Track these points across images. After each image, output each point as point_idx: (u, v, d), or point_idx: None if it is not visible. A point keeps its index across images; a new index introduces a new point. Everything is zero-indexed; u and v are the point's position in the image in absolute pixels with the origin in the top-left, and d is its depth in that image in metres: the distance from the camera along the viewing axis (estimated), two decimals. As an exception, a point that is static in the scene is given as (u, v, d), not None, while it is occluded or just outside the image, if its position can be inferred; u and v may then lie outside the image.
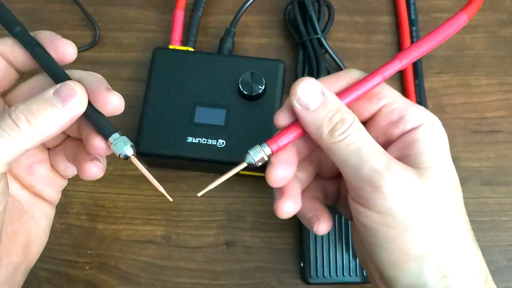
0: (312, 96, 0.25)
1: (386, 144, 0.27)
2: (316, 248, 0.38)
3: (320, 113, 0.25)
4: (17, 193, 0.28)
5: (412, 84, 0.44)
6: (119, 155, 0.25)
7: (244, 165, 0.27)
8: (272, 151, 0.26)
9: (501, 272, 0.40)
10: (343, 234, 0.38)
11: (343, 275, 0.37)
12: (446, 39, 0.27)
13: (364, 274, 0.37)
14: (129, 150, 0.25)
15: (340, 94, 0.26)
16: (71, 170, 0.29)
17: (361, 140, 0.25)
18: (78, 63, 0.47)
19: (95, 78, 0.26)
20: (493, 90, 0.45)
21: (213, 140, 0.38)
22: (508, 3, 0.48)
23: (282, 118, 0.27)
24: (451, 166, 0.26)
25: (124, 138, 0.25)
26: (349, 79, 0.27)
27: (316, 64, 0.42)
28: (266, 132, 0.38)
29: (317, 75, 0.42)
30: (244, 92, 0.38)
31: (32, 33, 0.26)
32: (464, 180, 0.42)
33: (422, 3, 0.47)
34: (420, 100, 0.44)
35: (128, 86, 0.44)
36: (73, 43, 0.26)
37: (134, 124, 0.41)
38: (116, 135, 0.25)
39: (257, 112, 0.39)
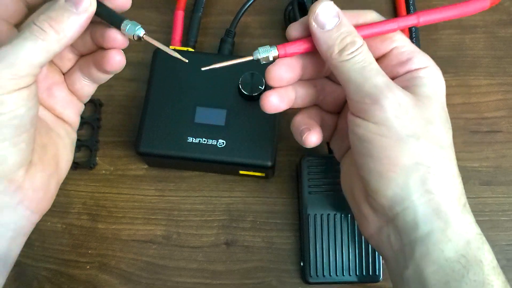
0: (329, 16, 0.27)
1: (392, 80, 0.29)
2: (316, 248, 0.38)
3: (333, 33, 0.27)
4: (42, 113, 0.30)
5: (411, 84, 0.44)
6: (133, 36, 0.28)
7: (249, 58, 0.29)
8: (278, 55, 0.28)
9: (501, 272, 0.40)
10: (343, 233, 0.38)
11: (343, 275, 0.37)
12: (463, 15, 0.29)
13: (364, 273, 0.37)
14: (140, 31, 0.28)
15: (357, 27, 0.28)
16: (87, 89, 0.32)
17: (366, 61, 0.27)
18: (78, 64, 0.47)
19: None
20: (492, 90, 0.45)
21: (213, 140, 0.38)
22: (507, 3, 0.48)
23: (295, 30, 0.29)
24: (445, 107, 0.29)
25: (134, 22, 0.28)
26: (367, 18, 0.29)
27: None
28: (266, 132, 0.38)
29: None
30: (244, 92, 0.38)
31: None
32: (463, 180, 0.42)
33: (422, 3, 0.47)
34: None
35: (128, 87, 0.44)
36: None
37: (135, 124, 0.41)
38: (126, 21, 0.28)
39: (257, 112, 0.39)
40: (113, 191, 0.42)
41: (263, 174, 0.40)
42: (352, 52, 0.27)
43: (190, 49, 0.43)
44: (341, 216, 0.38)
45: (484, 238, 0.27)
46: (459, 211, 0.27)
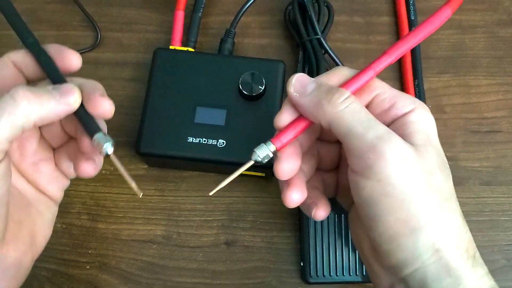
0: (307, 83, 0.28)
1: None
2: (316, 248, 0.38)
3: (317, 91, 0.27)
4: (23, 187, 0.30)
5: (411, 85, 0.44)
6: (100, 153, 0.27)
7: (250, 163, 0.29)
8: (276, 148, 0.28)
9: (501, 272, 0.40)
10: (343, 233, 0.38)
11: (343, 275, 0.37)
12: (430, 33, 0.28)
13: (364, 273, 0.37)
14: (108, 149, 0.27)
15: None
16: (73, 170, 0.31)
17: (362, 109, 0.26)
18: (79, 64, 0.47)
19: (92, 84, 0.28)
20: (492, 90, 0.45)
21: (213, 140, 0.38)
22: (507, 4, 0.48)
23: (280, 120, 0.29)
24: (441, 150, 0.28)
25: (107, 137, 0.27)
26: (341, 76, 0.29)
27: (316, 64, 0.42)
28: (266, 132, 0.38)
29: (316, 75, 0.42)
30: (245, 92, 0.38)
31: (43, 46, 0.29)
32: (463, 180, 0.42)
33: (421, 3, 0.47)
34: (420, 100, 0.44)
35: (128, 87, 0.44)
36: (78, 54, 0.29)
37: (135, 125, 0.41)
38: (99, 135, 0.27)
39: (257, 112, 0.39)
40: (113, 191, 0.42)
41: (263, 174, 0.40)
42: (345, 99, 0.26)
43: (190, 49, 0.43)
44: (341, 216, 0.38)
45: None
46: (469, 265, 0.26)
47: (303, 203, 0.31)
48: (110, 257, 0.40)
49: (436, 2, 0.48)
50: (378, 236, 0.26)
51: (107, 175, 0.42)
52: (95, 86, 0.28)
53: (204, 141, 0.38)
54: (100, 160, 0.30)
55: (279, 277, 0.39)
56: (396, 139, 0.26)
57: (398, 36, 0.47)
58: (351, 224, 0.32)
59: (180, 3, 0.44)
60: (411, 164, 0.25)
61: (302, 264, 0.38)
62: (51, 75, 0.28)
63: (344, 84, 0.28)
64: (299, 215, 0.40)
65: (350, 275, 0.37)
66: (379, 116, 0.28)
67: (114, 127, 0.43)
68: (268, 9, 0.47)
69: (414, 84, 0.44)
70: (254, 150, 0.28)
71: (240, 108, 0.39)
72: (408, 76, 0.44)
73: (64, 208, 0.41)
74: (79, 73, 0.45)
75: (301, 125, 0.28)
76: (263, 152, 0.28)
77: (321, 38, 0.43)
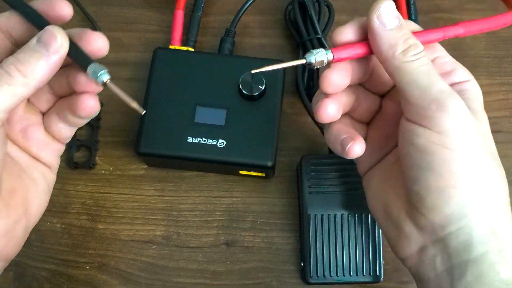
0: (392, 16, 0.27)
1: None
2: (316, 248, 0.38)
3: (396, 33, 0.27)
4: (16, 155, 0.29)
5: (412, 84, 0.44)
6: (96, 82, 0.26)
7: (303, 61, 0.27)
8: (333, 59, 0.27)
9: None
10: (343, 233, 0.38)
11: (344, 275, 0.37)
12: (501, 27, 0.31)
13: (364, 273, 0.37)
14: (103, 76, 0.26)
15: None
16: (64, 132, 0.30)
17: (430, 66, 0.27)
18: (78, 63, 0.47)
19: (81, 28, 0.28)
20: (493, 90, 0.45)
21: (213, 140, 0.38)
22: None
23: (343, 34, 0.28)
24: (486, 118, 0.28)
25: (101, 66, 0.27)
26: (410, 27, 0.28)
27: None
28: (266, 132, 0.38)
29: (317, 76, 0.42)
30: (244, 92, 0.38)
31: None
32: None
33: (422, 3, 0.47)
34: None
35: (128, 86, 0.44)
36: (67, 1, 0.28)
37: (135, 125, 0.41)
38: (92, 65, 0.26)
39: (257, 112, 0.39)
40: (113, 191, 0.42)
41: (263, 174, 0.40)
42: (417, 53, 0.26)
43: (190, 49, 0.43)
44: (341, 216, 0.38)
45: None
46: None
47: (335, 139, 0.30)
48: (110, 257, 0.40)
49: (438, 2, 0.48)
50: (426, 188, 0.26)
51: (106, 175, 0.42)
52: (86, 28, 0.28)
53: (204, 141, 0.38)
54: (96, 97, 0.28)
55: (279, 278, 0.39)
56: (458, 98, 0.26)
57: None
58: (371, 187, 0.31)
59: (180, 3, 0.44)
60: (470, 123, 0.26)
61: (302, 264, 0.38)
62: (36, 23, 0.27)
63: (416, 33, 0.28)
64: (299, 215, 0.40)
65: (351, 275, 0.37)
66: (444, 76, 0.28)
67: (114, 127, 0.43)
68: (268, 9, 0.47)
69: (415, 84, 0.44)
70: (312, 51, 0.27)
71: (240, 108, 0.39)
72: (408, 76, 0.44)
73: (64, 208, 0.41)
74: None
75: (362, 50, 0.28)
76: (320, 56, 0.27)
77: (322, 38, 0.43)
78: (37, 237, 0.40)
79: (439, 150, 0.25)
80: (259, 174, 0.40)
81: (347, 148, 0.29)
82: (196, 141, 0.38)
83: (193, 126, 0.38)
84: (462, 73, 0.28)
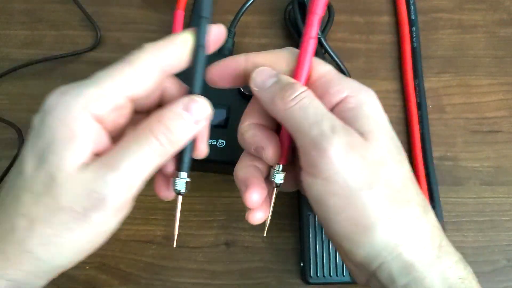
0: (267, 75, 0.27)
1: None
2: (316, 248, 0.38)
3: (274, 87, 0.27)
4: None
5: (412, 84, 0.44)
6: (173, 188, 0.29)
7: None
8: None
9: (501, 272, 0.40)
10: None
11: (343, 275, 0.37)
12: None
13: None
14: (181, 190, 0.29)
15: (295, 76, 0.28)
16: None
17: (311, 104, 0.26)
18: (78, 64, 0.47)
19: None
20: (493, 90, 0.45)
21: (213, 140, 0.38)
22: (508, 3, 0.48)
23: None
24: (392, 134, 0.27)
25: (186, 182, 0.29)
26: (287, 58, 0.28)
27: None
28: None
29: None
30: (244, 92, 0.38)
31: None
32: (464, 180, 0.42)
33: (422, 3, 0.47)
34: (420, 100, 0.44)
35: (128, 86, 0.44)
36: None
37: (134, 124, 0.41)
38: (183, 176, 0.29)
39: None
40: (113, 191, 0.41)
41: None
42: (296, 96, 0.26)
43: (190, 49, 0.43)
44: None
45: (468, 279, 0.25)
46: (434, 257, 0.25)
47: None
48: (110, 257, 0.40)
49: (437, 2, 0.48)
50: (334, 235, 0.26)
51: (106, 175, 0.42)
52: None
53: None
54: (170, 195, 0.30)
55: (279, 278, 0.39)
56: (340, 132, 0.25)
57: (398, 35, 0.47)
58: None
59: (180, 3, 0.44)
60: (357, 157, 0.24)
61: (302, 264, 0.38)
62: (197, 79, 0.29)
63: (296, 72, 0.27)
64: (299, 215, 0.40)
65: (350, 275, 0.37)
66: (321, 100, 0.27)
67: (114, 127, 0.43)
68: (268, 9, 0.47)
69: (415, 84, 0.44)
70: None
71: (240, 108, 0.39)
72: (408, 76, 0.44)
73: (64, 208, 0.41)
74: (77, 74, 0.45)
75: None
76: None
77: (321, 38, 0.43)
78: (37, 237, 0.40)
79: (329, 199, 0.25)
80: None
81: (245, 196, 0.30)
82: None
83: None
84: (335, 92, 0.27)
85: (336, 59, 0.43)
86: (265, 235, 0.30)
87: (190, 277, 0.39)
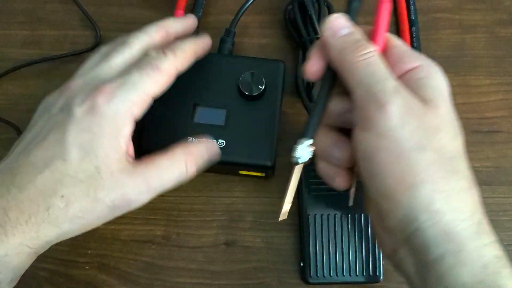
0: (342, 25, 0.28)
1: None
2: (316, 248, 0.38)
3: (347, 38, 0.28)
4: None
5: (412, 84, 0.44)
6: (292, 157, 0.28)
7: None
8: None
9: (501, 272, 0.40)
10: (343, 233, 0.38)
11: (343, 275, 0.37)
12: None
13: (364, 273, 0.37)
14: (302, 160, 0.28)
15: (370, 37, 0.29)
16: None
17: (379, 64, 0.26)
18: (78, 64, 0.47)
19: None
20: (493, 90, 0.45)
21: (213, 140, 0.38)
22: (508, 3, 0.48)
23: (312, 65, 0.29)
24: (452, 108, 0.27)
25: (309, 150, 0.28)
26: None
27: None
28: (266, 132, 0.38)
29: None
30: (244, 92, 0.38)
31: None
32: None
33: (422, 3, 0.47)
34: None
35: (128, 86, 0.44)
36: None
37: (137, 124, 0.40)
38: (305, 142, 0.28)
39: (257, 112, 0.39)
40: (113, 191, 0.41)
41: (263, 174, 0.40)
42: (365, 53, 0.27)
43: (190, 49, 0.43)
44: (341, 216, 0.38)
45: (504, 260, 0.25)
46: (472, 232, 0.24)
47: (327, 173, 0.31)
48: (109, 257, 0.40)
49: (437, 2, 0.48)
50: (375, 193, 0.26)
51: (106, 175, 0.42)
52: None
53: None
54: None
55: (279, 278, 0.39)
56: (402, 93, 0.25)
57: (398, 35, 0.47)
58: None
59: (180, 3, 0.44)
60: (413, 119, 0.25)
61: (302, 264, 0.38)
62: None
63: (372, 33, 0.28)
64: (299, 216, 0.40)
65: (350, 275, 0.37)
66: (391, 67, 0.28)
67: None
68: (268, 9, 0.47)
69: (415, 84, 0.44)
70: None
71: (240, 108, 0.39)
72: (408, 76, 0.44)
73: (64, 208, 0.41)
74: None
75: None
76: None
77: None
78: (37, 237, 0.40)
79: (378, 154, 0.25)
80: (259, 174, 0.40)
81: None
82: (196, 141, 0.38)
83: (193, 126, 0.38)
84: (410, 60, 0.28)
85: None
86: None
87: (190, 277, 0.39)
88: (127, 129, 0.30)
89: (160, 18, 0.47)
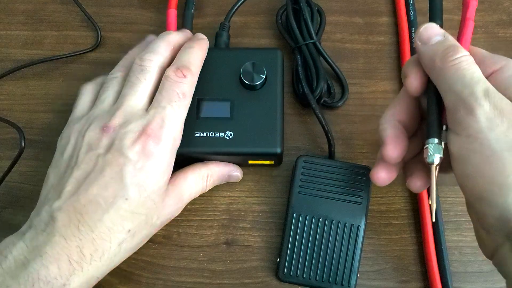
0: (434, 33, 0.30)
1: None
2: (294, 247, 0.37)
3: (437, 46, 0.29)
4: None
5: (411, 84, 0.44)
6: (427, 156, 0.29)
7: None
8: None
9: (500, 271, 0.40)
10: (324, 240, 0.37)
11: (316, 279, 0.37)
12: None
13: (337, 282, 0.37)
14: (435, 159, 0.28)
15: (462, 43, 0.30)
16: None
17: (470, 68, 0.27)
18: (79, 64, 0.47)
19: None
20: (492, 90, 0.45)
21: (220, 133, 0.38)
22: (507, 4, 0.48)
23: (410, 83, 0.31)
24: None
25: (439, 149, 0.29)
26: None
27: (315, 68, 0.42)
28: (271, 119, 0.38)
29: (316, 79, 0.42)
30: (246, 82, 0.38)
31: None
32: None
33: (421, 4, 0.47)
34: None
35: (129, 87, 0.44)
36: None
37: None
38: (435, 141, 0.29)
39: (260, 101, 0.39)
40: (113, 191, 0.42)
41: (272, 162, 0.40)
42: (456, 58, 0.27)
43: (187, 46, 0.43)
44: (325, 222, 0.38)
45: None
46: None
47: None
48: (110, 256, 0.40)
49: (436, 2, 0.48)
50: (469, 194, 0.26)
51: (107, 175, 0.42)
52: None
53: (212, 134, 0.38)
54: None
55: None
56: (493, 96, 0.26)
57: (398, 36, 0.47)
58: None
59: (172, 2, 0.44)
60: (503, 120, 0.25)
61: (278, 260, 0.38)
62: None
63: (460, 37, 0.31)
64: (286, 212, 0.39)
65: (323, 281, 0.37)
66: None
67: (114, 127, 0.43)
68: (268, 9, 0.47)
69: (414, 84, 0.44)
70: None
71: (244, 98, 0.39)
72: (407, 76, 0.44)
73: (65, 208, 0.41)
74: (78, 74, 0.45)
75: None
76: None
77: (316, 42, 0.43)
78: (38, 236, 0.40)
79: (469, 156, 0.26)
80: (268, 162, 0.40)
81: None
82: (203, 135, 0.38)
83: (199, 121, 0.38)
84: (495, 60, 0.29)
85: (331, 63, 0.43)
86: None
87: (190, 276, 0.39)
88: (173, 160, 0.34)
89: (160, 18, 0.47)
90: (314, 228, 0.38)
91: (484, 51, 0.30)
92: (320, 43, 0.43)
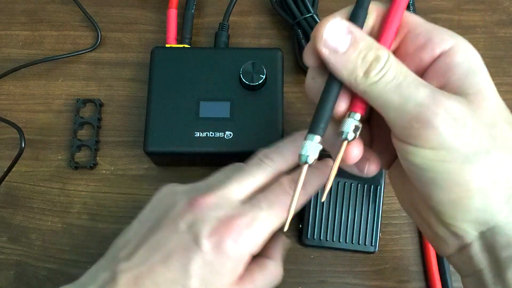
0: (340, 35, 0.23)
1: (419, 74, 0.24)
2: (316, 211, 0.38)
3: (352, 53, 0.23)
4: None
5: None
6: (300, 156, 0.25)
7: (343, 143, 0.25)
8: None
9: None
10: (344, 201, 0.38)
11: (339, 241, 0.38)
12: None
13: (360, 242, 0.37)
14: (309, 159, 0.25)
15: (378, 36, 0.24)
16: None
17: (400, 75, 0.23)
18: (79, 64, 0.47)
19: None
20: (492, 90, 0.45)
21: (220, 133, 0.38)
22: (507, 4, 0.48)
23: (309, 59, 0.25)
24: (496, 92, 0.24)
25: (315, 149, 0.25)
26: (376, 12, 0.25)
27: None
28: (272, 119, 0.38)
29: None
30: (246, 82, 0.38)
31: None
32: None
33: (421, 3, 0.47)
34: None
35: (129, 87, 0.44)
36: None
37: (136, 124, 0.41)
38: (308, 143, 0.25)
39: (260, 101, 0.39)
40: (114, 190, 0.42)
41: None
42: (380, 70, 0.23)
43: (186, 46, 0.43)
44: (345, 184, 0.38)
45: None
46: None
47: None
48: (110, 256, 0.40)
49: (436, 2, 0.48)
50: (438, 203, 0.24)
51: (107, 175, 0.42)
52: None
53: (211, 134, 0.38)
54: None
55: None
56: (442, 100, 0.22)
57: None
58: (396, 184, 0.29)
59: (172, 2, 0.44)
60: (466, 122, 0.22)
61: (300, 226, 0.39)
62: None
63: (382, 29, 0.24)
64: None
65: (346, 242, 0.38)
66: (414, 55, 0.24)
67: (114, 127, 0.43)
68: (268, 9, 0.47)
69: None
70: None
71: (243, 98, 0.39)
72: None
73: (65, 208, 0.41)
74: (78, 74, 0.45)
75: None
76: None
77: (314, 15, 0.43)
78: (38, 236, 0.40)
79: (438, 166, 0.23)
80: None
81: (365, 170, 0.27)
82: (203, 135, 0.38)
83: (198, 121, 0.38)
84: (440, 40, 0.24)
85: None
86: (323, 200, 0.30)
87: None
88: (245, 266, 0.29)
89: (160, 18, 0.47)
90: (334, 191, 0.38)
91: (426, 23, 0.25)
92: (317, 15, 0.44)
